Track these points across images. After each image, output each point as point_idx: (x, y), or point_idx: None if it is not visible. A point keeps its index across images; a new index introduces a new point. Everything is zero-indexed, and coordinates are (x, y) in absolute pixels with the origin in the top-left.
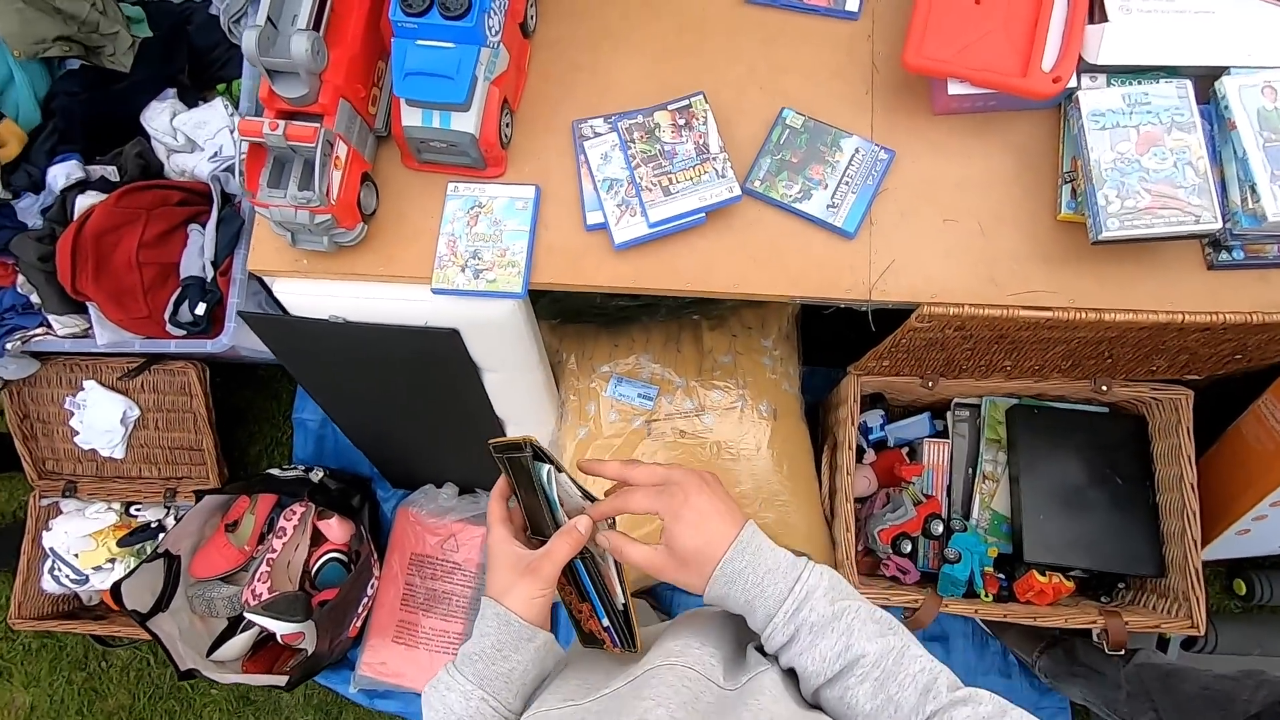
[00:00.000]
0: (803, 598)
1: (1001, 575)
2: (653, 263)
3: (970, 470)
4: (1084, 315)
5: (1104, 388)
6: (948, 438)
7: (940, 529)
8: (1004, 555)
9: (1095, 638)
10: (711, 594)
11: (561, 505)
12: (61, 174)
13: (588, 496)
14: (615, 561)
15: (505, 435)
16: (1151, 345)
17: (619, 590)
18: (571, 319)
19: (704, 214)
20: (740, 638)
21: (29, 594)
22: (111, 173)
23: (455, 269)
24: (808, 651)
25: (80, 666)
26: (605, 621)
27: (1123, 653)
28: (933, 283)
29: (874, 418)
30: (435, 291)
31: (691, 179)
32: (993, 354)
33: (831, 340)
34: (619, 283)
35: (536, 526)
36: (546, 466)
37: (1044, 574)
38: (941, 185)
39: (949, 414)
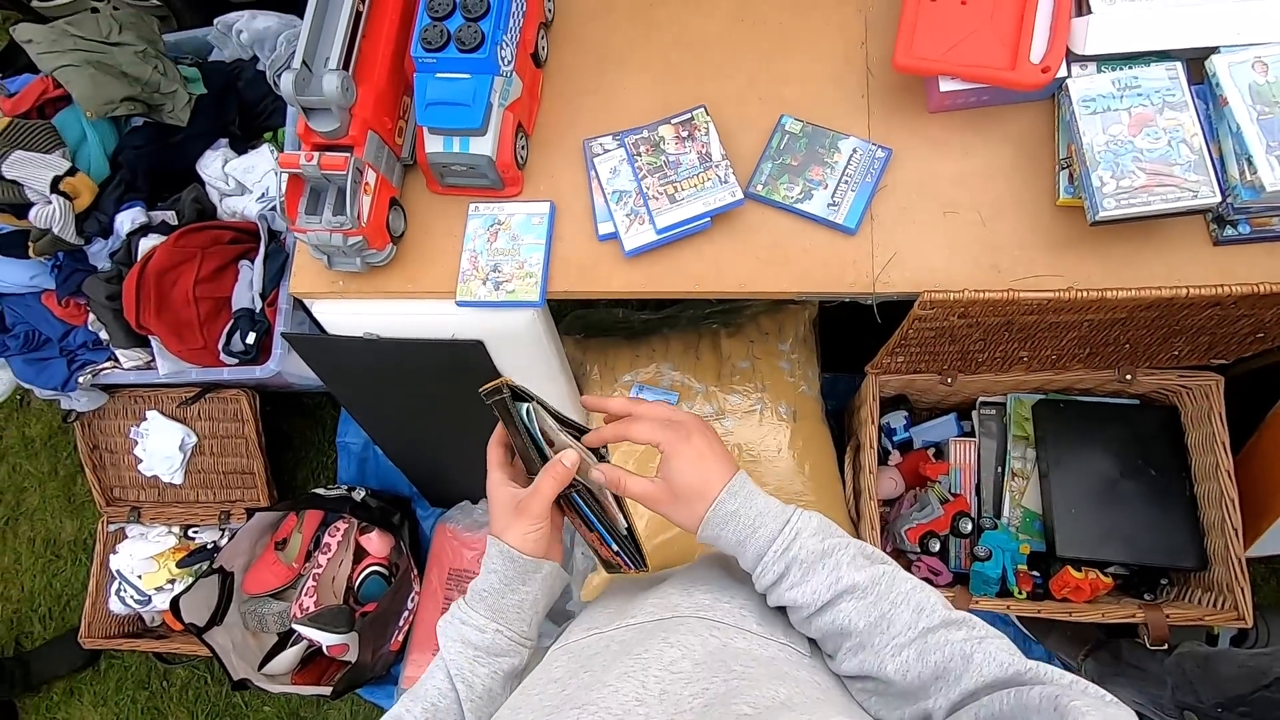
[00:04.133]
0: (792, 537)
1: (1036, 573)
2: (662, 267)
3: (999, 468)
4: (1086, 294)
5: (1128, 377)
6: (974, 437)
7: (969, 527)
8: (1039, 553)
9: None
10: (704, 533)
11: (551, 443)
12: (128, 220)
13: (575, 430)
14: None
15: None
16: (1166, 326)
17: (620, 517)
18: (595, 334)
19: (709, 218)
20: None
21: (98, 614)
22: (171, 217)
23: (477, 282)
24: (798, 586)
25: (143, 686)
26: (614, 547)
27: (1165, 647)
28: (936, 273)
29: (897, 419)
30: (460, 304)
31: (696, 186)
32: (1006, 343)
33: (854, 348)
34: (631, 288)
35: (530, 466)
36: (526, 405)
37: (1079, 570)
38: (940, 180)
39: (974, 413)
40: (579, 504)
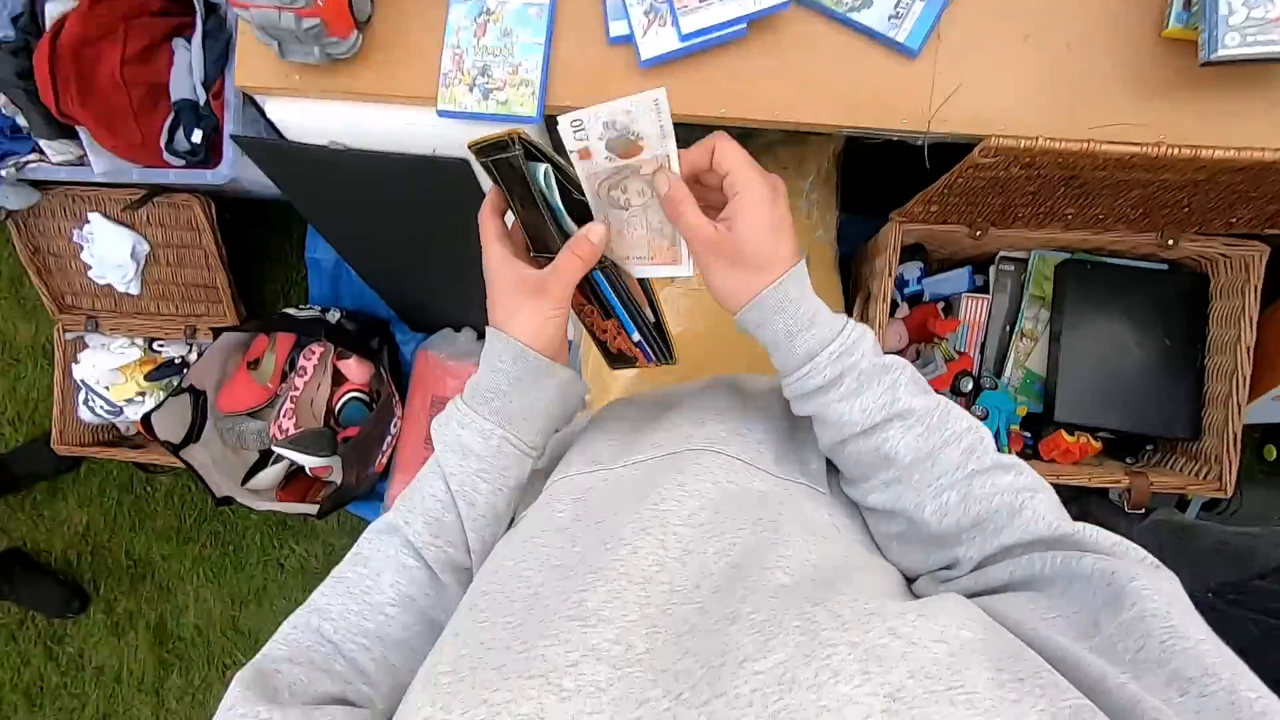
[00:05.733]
0: (850, 343)
1: (1027, 434)
2: (683, 83)
3: (1008, 328)
4: (1176, 153)
5: (1171, 241)
6: (987, 293)
7: (970, 386)
8: (1033, 414)
9: (1118, 497)
10: (749, 315)
11: (569, 212)
12: None
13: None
14: (642, 275)
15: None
16: (1242, 192)
17: (646, 302)
18: None
19: (745, 25)
20: (790, 430)
21: (68, 422)
22: None
23: (462, 88)
24: (850, 399)
25: (127, 490)
26: (636, 337)
27: (1141, 512)
28: (1003, 112)
29: (911, 270)
30: (441, 114)
31: None
32: (1057, 199)
33: (873, 184)
34: None
35: (540, 243)
36: (543, 166)
37: (1072, 434)
38: None
39: (992, 268)
40: (600, 285)
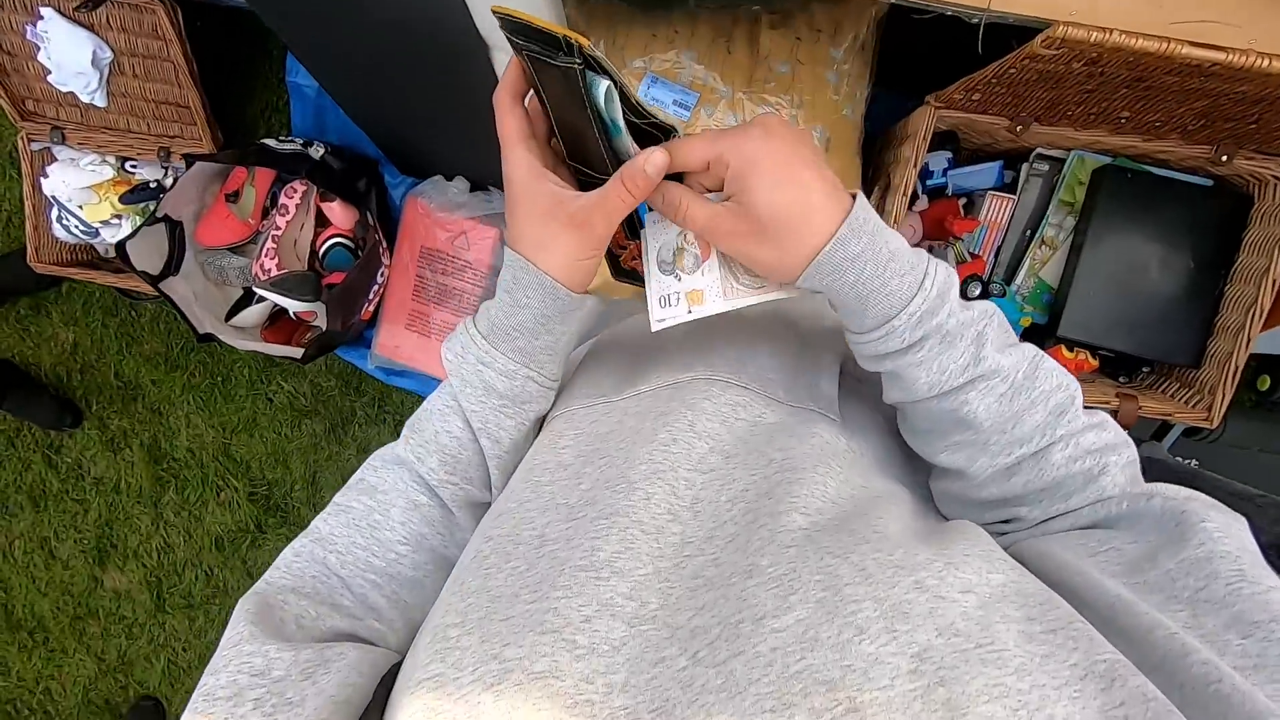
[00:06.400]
0: (934, 300)
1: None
2: None
3: (1029, 232)
4: (1265, 64)
5: (1225, 158)
6: (1014, 193)
7: (978, 291)
8: (1036, 325)
9: None
10: (808, 282)
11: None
12: None
13: (651, 122)
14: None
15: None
16: None
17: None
18: None
19: None
20: (799, 350)
21: (43, 240)
22: None
23: None
24: (930, 361)
25: (112, 313)
26: None
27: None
28: None
29: (938, 160)
30: None
31: None
32: (1115, 101)
33: (906, 59)
34: None
35: (577, 150)
36: (605, 83)
37: (1072, 350)
38: None
39: (1025, 165)
40: (638, 209)
